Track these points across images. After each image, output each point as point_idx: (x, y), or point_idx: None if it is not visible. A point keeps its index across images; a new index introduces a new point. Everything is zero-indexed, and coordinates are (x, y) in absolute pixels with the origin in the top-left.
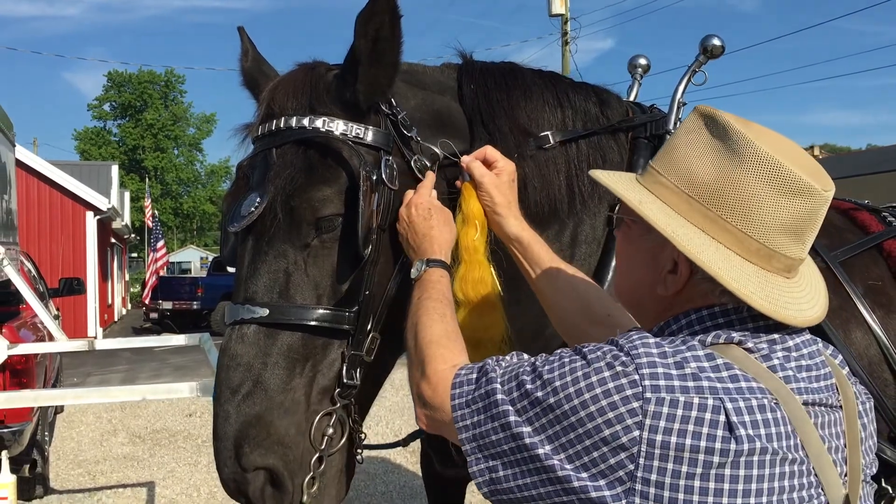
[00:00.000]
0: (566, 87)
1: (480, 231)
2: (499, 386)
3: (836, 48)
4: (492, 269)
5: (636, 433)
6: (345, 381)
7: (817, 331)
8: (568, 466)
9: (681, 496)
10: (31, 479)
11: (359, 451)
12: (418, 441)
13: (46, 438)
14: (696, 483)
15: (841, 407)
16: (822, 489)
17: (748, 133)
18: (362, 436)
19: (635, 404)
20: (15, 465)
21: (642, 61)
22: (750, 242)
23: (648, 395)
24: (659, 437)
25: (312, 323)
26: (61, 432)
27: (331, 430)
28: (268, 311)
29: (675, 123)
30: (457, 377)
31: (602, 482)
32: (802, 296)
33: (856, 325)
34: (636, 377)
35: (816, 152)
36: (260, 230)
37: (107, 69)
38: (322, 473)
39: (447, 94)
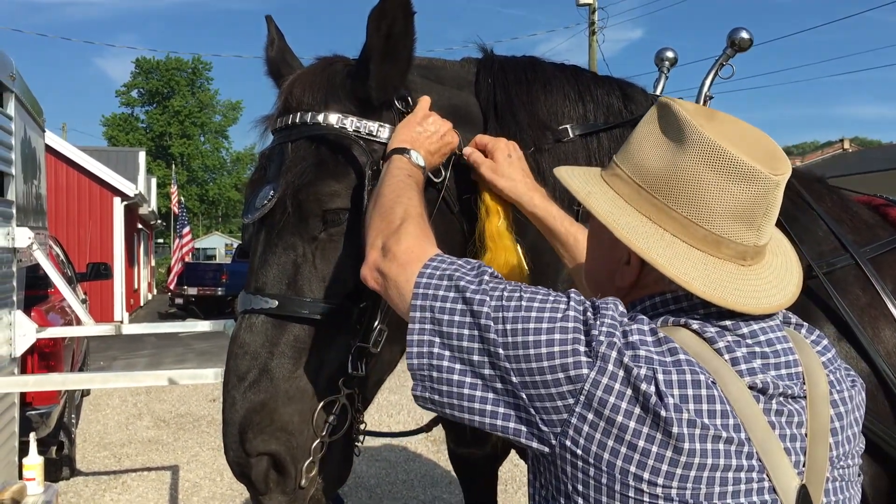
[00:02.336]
0: (588, 80)
1: (503, 217)
2: (488, 277)
3: (869, 40)
4: (519, 251)
5: (585, 371)
6: (350, 371)
7: (844, 328)
8: (515, 379)
9: (606, 456)
10: (58, 461)
11: (358, 441)
12: (441, 431)
13: (73, 421)
14: (623, 449)
15: (804, 396)
16: (766, 475)
17: (696, 121)
18: (362, 426)
19: (589, 348)
20: (42, 447)
21: (669, 54)
22: (696, 229)
23: (604, 339)
24: (598, 393)
25: (319, 317)
26: (87, 415)
27: (333, 418)
28: (277, 303)
29: None
30: (432, 260)
31: (543, 404)
32: (760, 283)
33: (885, 324)
34: (595, 332)
35: (847, 145)
36: (271, 222)
37: (135, 56)
38: (323, 459)
39: (465, 88)
